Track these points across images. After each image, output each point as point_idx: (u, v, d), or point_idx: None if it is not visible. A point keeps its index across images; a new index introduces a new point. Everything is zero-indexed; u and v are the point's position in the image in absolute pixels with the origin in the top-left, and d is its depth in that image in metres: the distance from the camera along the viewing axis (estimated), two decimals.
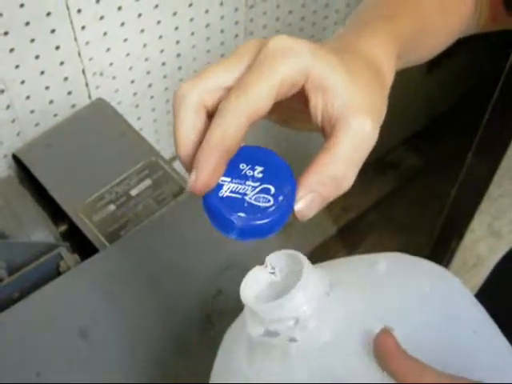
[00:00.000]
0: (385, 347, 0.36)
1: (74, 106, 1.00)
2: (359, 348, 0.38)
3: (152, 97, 1.11)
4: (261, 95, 0.37)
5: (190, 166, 0.39)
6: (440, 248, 1.59)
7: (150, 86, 1.09)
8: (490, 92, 1.22)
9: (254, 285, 0.42)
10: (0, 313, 0.72)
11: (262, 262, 0.43)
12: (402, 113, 1.56)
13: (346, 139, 0.38)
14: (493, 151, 1.35)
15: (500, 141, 1.32)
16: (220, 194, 0.38)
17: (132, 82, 1.06)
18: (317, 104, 0.39)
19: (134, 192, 0.85)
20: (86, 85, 1.00)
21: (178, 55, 1.08)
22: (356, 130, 0.38)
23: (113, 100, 1.04)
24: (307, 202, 0.38)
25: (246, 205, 0.38)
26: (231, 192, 0.39)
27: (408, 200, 1.83)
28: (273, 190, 0.39)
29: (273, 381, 0.41)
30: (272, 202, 0.38)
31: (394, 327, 0.37)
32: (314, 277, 0.40)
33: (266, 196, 0.38)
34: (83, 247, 0.83)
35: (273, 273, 0.42)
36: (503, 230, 1.74)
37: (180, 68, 1.10)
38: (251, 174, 0.39)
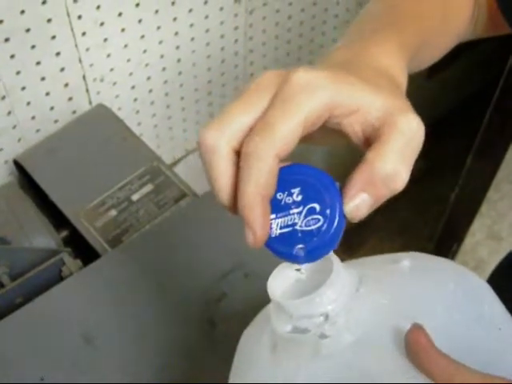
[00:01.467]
0: (417, 344, 0.36)
1: (74, 112, 1.00)
2: (390, 344, 0.38)
3: (152, 102, 1.11)
4: (286, 135, 0.37)
5: (235, 209, 0.38)
6: (440, 251, 1.59)
7: (150, 91, 1.09)
8: (490, 96, 1.22)
9: (280, 281, 0.41)
10: (3, 318, 0.72)
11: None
12: None
13: (395, 136, 0.37)
14: (492, 155, 1.36)
15: (499, 144, 1.32)
16: (272, 235, 0.38)
17: (132, 87, 1.06)
18: (353, 125, 0.38)
19: (135, 197, 0.85)
20: (87, 91, 1.00)
21: (178, 60, 1.09)
22: (403, 127, 0.37)
23: (113, 106, 1.04)
24: (357, 203, 0.38)
25: (299, 235, 0.38)
26: (281, 228, 0.38)
27: (408, 203, 1.83)
28: (317, 206, 0.38)
29: (301, 378, 0.40)
30: (322, 220, 0.37)
31: (422, 324, 0.37)
32: (344, 272, 0.40)
33: (314, 217, 0.38)
34: (85, 253, 0.83)
35: (299, 270, 0.42)
36: (503, 233, 1.75)
37: (180, 73, 1.11)
38: (290, 200, 0.38)
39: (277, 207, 0.38)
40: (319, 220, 0.38)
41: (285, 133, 0.37)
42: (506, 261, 0.80)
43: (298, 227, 0.38)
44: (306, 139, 0.41)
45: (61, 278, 0.77)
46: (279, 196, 0.39)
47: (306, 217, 0.38)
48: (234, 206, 0.38)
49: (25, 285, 0.75)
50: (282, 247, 0.38)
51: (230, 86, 1.22)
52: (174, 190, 0.86)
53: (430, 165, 1.96)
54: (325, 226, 0.37)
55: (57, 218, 0.87)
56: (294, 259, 0.38)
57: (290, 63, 1.30)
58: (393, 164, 0.37)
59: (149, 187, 0.86)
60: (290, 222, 0.38)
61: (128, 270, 0.77)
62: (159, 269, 0.77)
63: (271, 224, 0.38)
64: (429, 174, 1.94)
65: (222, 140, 0.38)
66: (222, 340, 0.72)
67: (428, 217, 1.83)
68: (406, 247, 1.78)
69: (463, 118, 1.88)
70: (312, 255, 0.38)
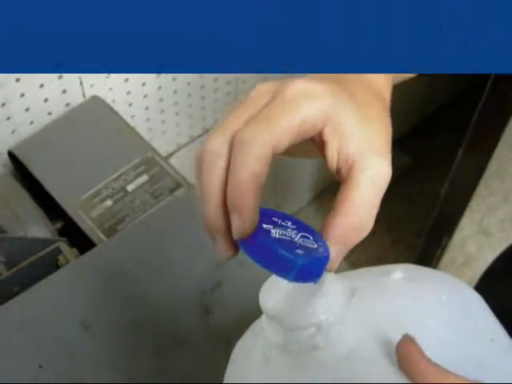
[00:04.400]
0: (408, 354, 0.36)
1: (68, 104, 1.00)
2: (382, 355, 0.38)
3: (145, 95, 1.11)
4: (284, 130, 0.36)
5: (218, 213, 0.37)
6: (430, 246, 1.60)
7: (143, 84, 1.09)
8: (480, 91, 1.23)
9: (272, 292, 0.41)
10: (0, 306, 0.73)
11: None
12: (392, 113, 1.57)
13: (365, 184, 0.38)
14: (482, 150, 1.36)
15: (489, 139, 1.33)
16: (273, 236, 0.37)
17: (126, 80, 1.06)
18: (333, 148, 0.39)
19: (130, 187, 0.86)
20: (81, 83, 1.00)
21: None
22: (373, 172, 0.38)
23: (107, 98, 1.04)
24: (334, 255, 0.38)
25: (298, 245, 0.37)
26: (280, 235, 0.37)
27: (398, 198, 1.84)
28: (311, 237, 0.38)
29: None
30: (317, 245, 0.38)
31: (414, 335, 0.37)
32: (336, 283, 0.40)
33: (309, 240, 0.38)
34: (80, 243, 0.83)
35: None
36: (492, 228, 1.76)
37: None
38: (287, 224, 0.39)
39: (274, 224, 0.38)
40: (314, 244, 0.38)
41: (282, 127, 0.36)
42: (500, 258, 0.80)
43: (295, 240, 0.37)
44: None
45: (57, 267, 0.77)
46: (274, 219, 0.39)
47: (302, 238, 0.38)
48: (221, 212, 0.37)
49: (22, 273, 0.75)
50: (282, 248, 0.36)
51: (222, 80, 1.23)
52: (169, 181, 0.86)
53: (419, 161, 1.97)
54: (321, 249, 0.37)
55: (52, 209, 0.87)
56: (287, 264, 0.36)
57: None
58: (365, 216, 0.38)
59: (144, 178, 0.86)
60: (287, 235, 0.38)
61: (124, 259, 0.77)
62: (154, 258, 0.77)
63: (270, 230, 0.37)
64: (417, 169, 1.95)
65: (225, 144, 0.37)
66: (218, 329, 0.72)
67: (417, 212, 1.84)
68: (395, 243, 1.79)
69: (453, 113, 1.90)
70: (306, 267, 0.36)
